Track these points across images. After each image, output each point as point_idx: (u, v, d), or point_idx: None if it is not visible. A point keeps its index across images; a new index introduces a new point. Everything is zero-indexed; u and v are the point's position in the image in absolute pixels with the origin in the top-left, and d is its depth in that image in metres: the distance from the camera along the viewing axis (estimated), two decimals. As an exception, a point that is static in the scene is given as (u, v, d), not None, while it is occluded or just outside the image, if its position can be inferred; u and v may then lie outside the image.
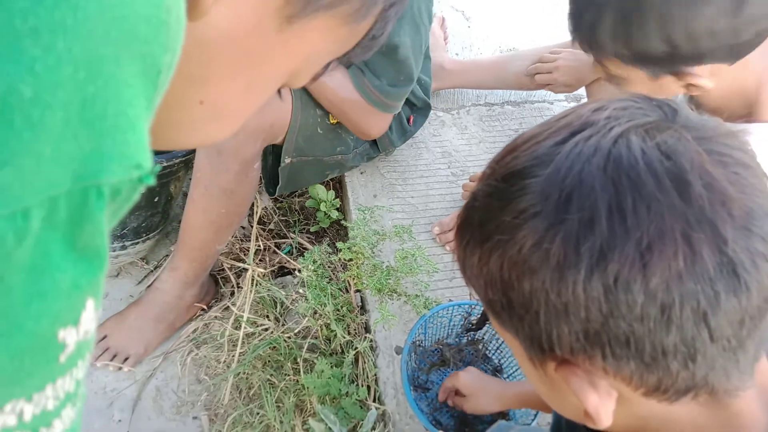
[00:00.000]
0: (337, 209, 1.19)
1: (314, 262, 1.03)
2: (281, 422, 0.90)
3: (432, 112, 1.35)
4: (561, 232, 0.33)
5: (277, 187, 1.07)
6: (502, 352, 0.98)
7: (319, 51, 0.33)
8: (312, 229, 1.22)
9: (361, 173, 1.23)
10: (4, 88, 0.15)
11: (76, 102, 0.17)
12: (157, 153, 0.91)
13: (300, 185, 1.14)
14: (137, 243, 1.08)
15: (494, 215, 0.37)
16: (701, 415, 0.37)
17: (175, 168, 0.98)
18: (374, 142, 1.12)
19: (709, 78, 0.70)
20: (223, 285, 1.14)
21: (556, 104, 1.41)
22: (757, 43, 0.68)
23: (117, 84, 0.18)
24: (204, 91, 0.28)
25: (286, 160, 1.02)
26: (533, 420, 0.87)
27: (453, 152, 1.30)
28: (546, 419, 0.86)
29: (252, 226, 1.17)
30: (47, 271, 0.18)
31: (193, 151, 0.96)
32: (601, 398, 0.35)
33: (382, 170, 1.25)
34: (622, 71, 0.73)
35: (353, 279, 1.01)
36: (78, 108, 0.17)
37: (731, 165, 0.34)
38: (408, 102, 1.11)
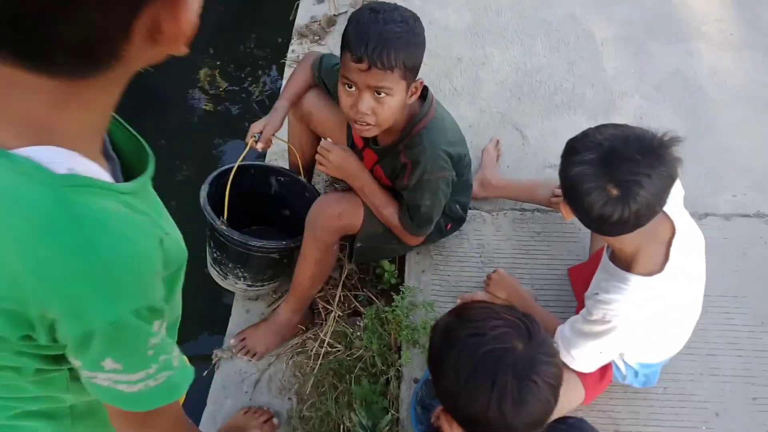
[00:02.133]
0: (397, 277, 1.76)
1: (373, 315, 1.61)
2: (336, 411, 1.50)
3: (477, 212, 1.86)
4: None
5: (352, 259, 1.67)
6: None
7: None
8: (379, 287, 1.80)
9: (417, 253, 1.79)
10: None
11: None
12: (286, 237, 1.54)
13: (369, 259, 1.73)
14: (271, 283, 1.73)
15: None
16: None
17: (294, 246, 1.60)
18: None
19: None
20: (317, 317, 1.76)
21: (577, 215, 1.84)
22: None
23: None
24: None
25: (357, 244, 1.61)
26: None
27: (486, 245, 1.80)
28: None
29: (339, 281, 1.78)
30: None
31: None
32: None
33: (432, 252, 1.79)
34: None
35: (394, 330, 1.58)
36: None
37: None
38: (447, 215, 1.65)
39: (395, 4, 1.32)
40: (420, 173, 1.41)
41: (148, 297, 0.56)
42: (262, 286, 1.71)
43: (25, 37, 0.43)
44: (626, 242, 1.17)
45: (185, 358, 0.70)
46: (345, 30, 1.30)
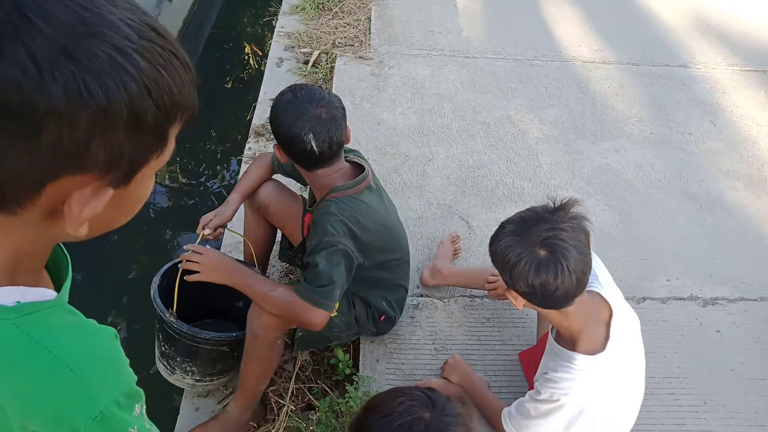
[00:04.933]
0: (351, 366, 1.74)
1: (327, 407, 1.57)
2: None
3: (429, 299, 1.91)
4: None
5: (294, 348, 1.65)
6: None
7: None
8: (333, 378, 1.77)
9: (371, 342, 1.79)
10: None
11: None
12: (235, 331, 1.52)
13: (313, 348, 1.74)
14: (221, 378, 1.68)
15: None
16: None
17: (240, 339, 1.58)
18: (360, 328, 1.67)
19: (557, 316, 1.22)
20: (269, 412, 1.70)
21: (524, 300, 1.91)
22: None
23: None
24: None
25: (299, 333, 1.60)
26: None
27: (439, 332, 1.83)
28: None
29: (293, 373, 1.75)
30: None
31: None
32: None
33: (387, 341, 1.80)
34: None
35: (348, 423, 1.54)
36: None
37: None
38: (376, 307, 1.66)
39: None
40: (320, 234, 1.41)
41: (122, 384, 0.60)
42: (211, 380, 1.66)
43: None
44: (571, 319, 1.23)
45: None
46: None
